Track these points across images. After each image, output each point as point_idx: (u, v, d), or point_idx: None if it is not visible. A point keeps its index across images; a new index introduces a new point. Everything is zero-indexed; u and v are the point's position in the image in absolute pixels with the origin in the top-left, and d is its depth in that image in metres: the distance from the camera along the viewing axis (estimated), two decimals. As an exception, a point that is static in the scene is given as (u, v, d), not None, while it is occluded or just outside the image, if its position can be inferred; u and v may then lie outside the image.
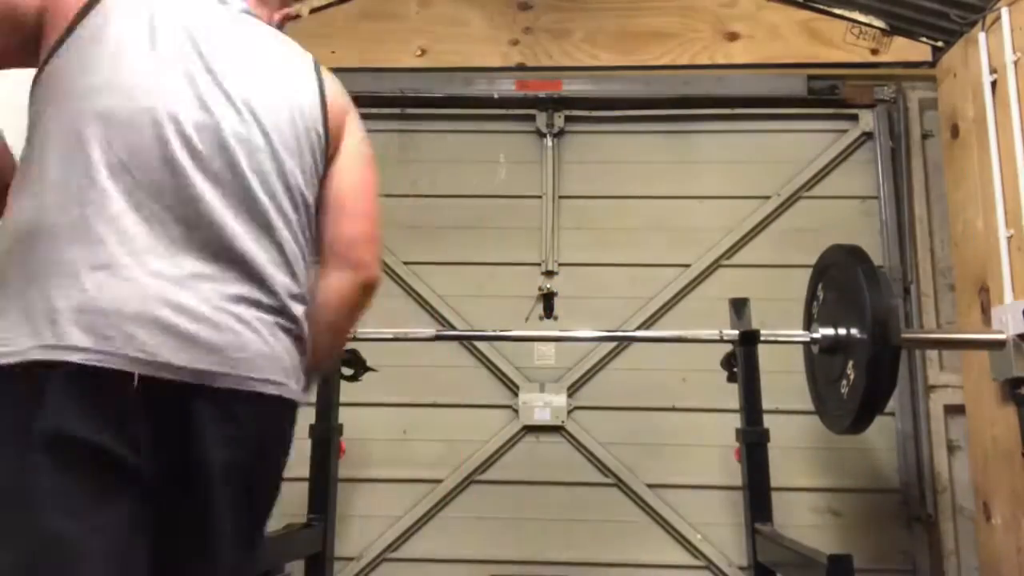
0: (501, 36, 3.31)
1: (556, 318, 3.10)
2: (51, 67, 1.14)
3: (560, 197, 3.26)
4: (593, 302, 3.15)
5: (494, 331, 2.92)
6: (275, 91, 1.26)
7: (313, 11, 3.33)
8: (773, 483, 2.30)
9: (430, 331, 2.93)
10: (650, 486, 3.01)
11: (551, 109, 3.28)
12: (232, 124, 1.17)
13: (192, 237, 1.11)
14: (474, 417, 3.10)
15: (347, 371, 2.53)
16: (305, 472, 2.42)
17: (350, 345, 2.54)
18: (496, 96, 3.28)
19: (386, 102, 3.30)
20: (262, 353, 1.13)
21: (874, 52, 3.20)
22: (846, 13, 3.22)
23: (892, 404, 2.92)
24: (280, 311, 1.17)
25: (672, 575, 2.96)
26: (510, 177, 3.30)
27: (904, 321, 3.01)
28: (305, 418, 2.46)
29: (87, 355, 1.00)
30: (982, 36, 2.78)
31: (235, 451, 1.10)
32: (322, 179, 1.33)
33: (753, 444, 2.31)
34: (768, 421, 2.35)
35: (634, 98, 3.26)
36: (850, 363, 2.13)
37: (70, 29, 1.13)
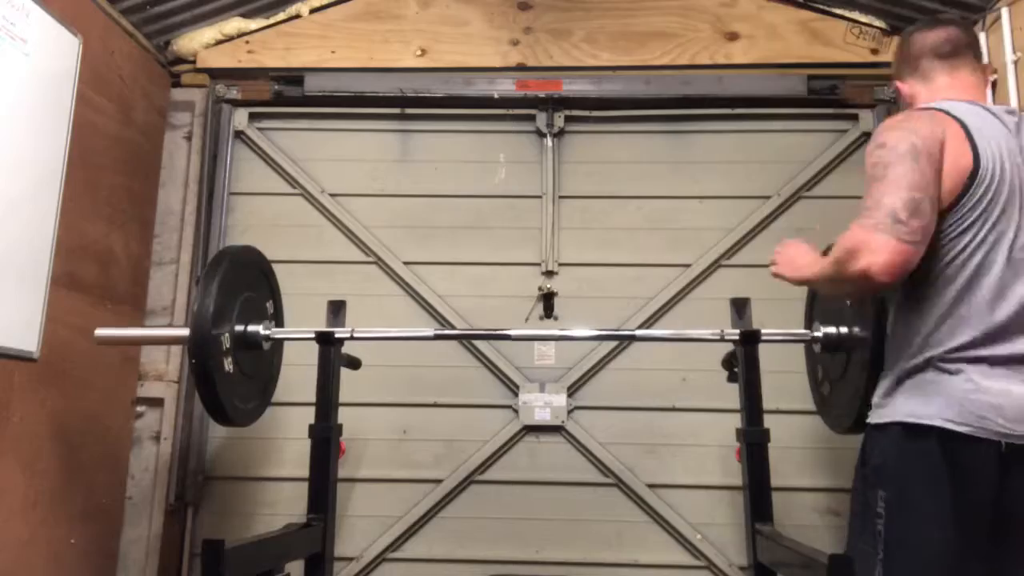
0: (501, 36, 3.31)
1: (556, 318, 3.09)
2: None
3: (560, 197, 3.26)
4: (593, 302, 3.15)
5: (494, 331, 2.92)
6: None
7: (313, 11, 3.33)
8: (773, 483, 2.29)
9: (430, 331, 2.93)
10: (650, 486, 3.01)
11: (551, 109, 3.28)
12: None
13: None
14: (474, 417, 3.10)
15: None
16: (305, 472, 2.41)
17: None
18: (496, 96, 3.28)
19: (386, 102, 3.30)
20: None
21: (874, 52, 3.20)
22: (846, 13, 3.22)
23: (892, 404, 2.91)
24: None
25: (672, 575, 2.97)
26: (510, 177, 3.30)
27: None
28: (305, 418, 2.47)
29: None
30: (982, 36, 2.77)
31: None
32: None
33: (754, 444, 2.31)
34: (768, 421, 2.34)
35: (634, 98, 3.26)
36: (852, 361, 2.12)
37: None
